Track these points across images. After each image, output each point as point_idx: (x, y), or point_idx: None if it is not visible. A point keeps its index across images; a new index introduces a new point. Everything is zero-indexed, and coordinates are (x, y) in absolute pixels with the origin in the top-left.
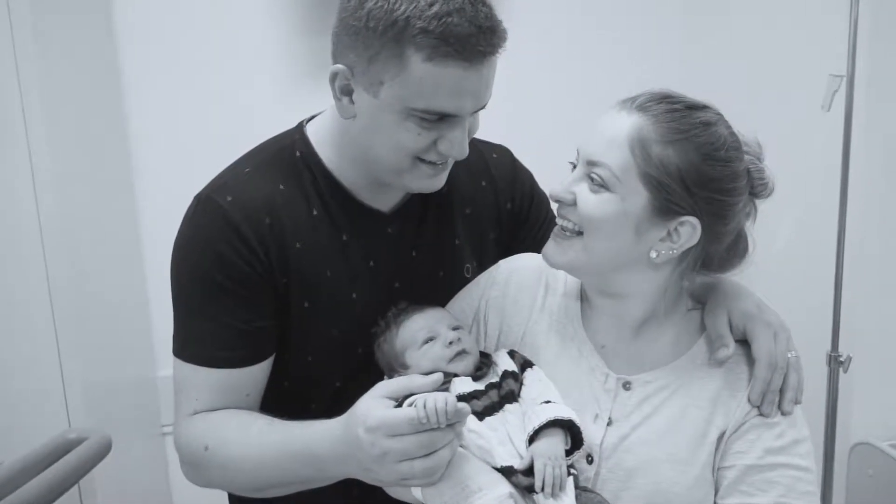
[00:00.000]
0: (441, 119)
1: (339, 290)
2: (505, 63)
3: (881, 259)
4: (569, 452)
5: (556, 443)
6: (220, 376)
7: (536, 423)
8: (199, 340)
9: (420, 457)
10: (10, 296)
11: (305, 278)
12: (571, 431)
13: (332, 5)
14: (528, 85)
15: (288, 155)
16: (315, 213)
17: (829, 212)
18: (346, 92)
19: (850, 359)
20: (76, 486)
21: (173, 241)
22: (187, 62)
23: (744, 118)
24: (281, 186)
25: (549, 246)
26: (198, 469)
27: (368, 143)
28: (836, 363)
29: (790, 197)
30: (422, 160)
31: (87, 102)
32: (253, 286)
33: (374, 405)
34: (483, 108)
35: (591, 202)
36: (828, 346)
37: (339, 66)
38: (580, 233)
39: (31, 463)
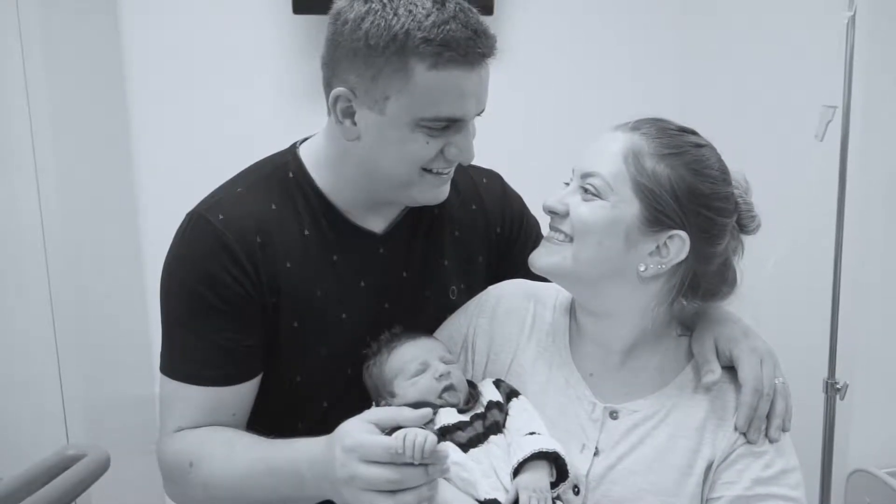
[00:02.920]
0: (447, 126)
1: (329, 310)
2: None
3: (878, 286)
4: (554, 484)
5: (540, 475)
6: (206, 394)
7: (521, 456)
8: (186, 358)
9: (384, 492)
10: (12, 313)
11: (295, 298)
12: (557, 463)
13: None
14: (531, 104)
15: (280, 175)
16: (306, 233)
17: (825, 239)
18: (349, 114)
19: (846, 386)
20: (74, 503)
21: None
22: (191, 77)
23: (739, 146)
24: (273, 206)
25: (537, 250)
26: (180, 486)
27: (375, 161)
28: (832, 390)
29: (787, 223)
30: (428, 171)
31: (91, 118)
32: (242, 305)
33: (357, 427)
34: (482, 111)
35: (582, 209)
36: (825, 374)
37: (340, 90)
38: (571, 241)
39: (30, 479)
